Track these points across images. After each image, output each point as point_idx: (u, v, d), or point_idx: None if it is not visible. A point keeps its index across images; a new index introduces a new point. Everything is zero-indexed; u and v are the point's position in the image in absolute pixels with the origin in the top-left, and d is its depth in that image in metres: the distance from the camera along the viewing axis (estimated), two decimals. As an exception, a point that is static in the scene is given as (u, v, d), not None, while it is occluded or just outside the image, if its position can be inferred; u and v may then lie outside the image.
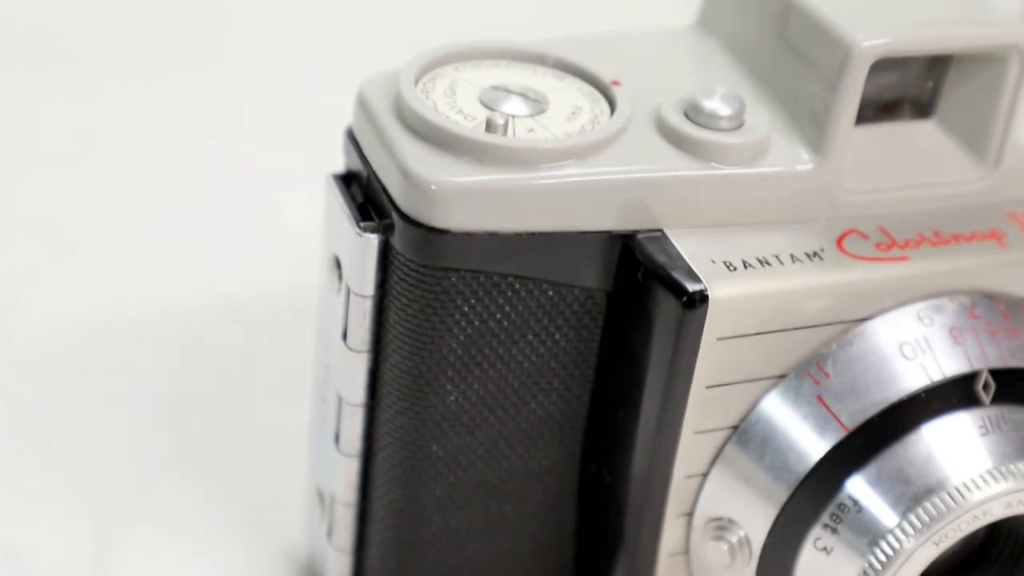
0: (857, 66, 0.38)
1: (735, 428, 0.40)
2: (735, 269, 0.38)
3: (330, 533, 0.44)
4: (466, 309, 0.39)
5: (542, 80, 0.41)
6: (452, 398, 0.40)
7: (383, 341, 0.40)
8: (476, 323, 0.39)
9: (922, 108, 0.42)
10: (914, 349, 0.39)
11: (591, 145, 0.38)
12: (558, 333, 0.40)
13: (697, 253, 0.38)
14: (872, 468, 0.38)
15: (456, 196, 0.37)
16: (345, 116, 0.41)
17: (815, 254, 0.39)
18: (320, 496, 0.44)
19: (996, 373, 0.39)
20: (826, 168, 0.39)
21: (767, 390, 0.39)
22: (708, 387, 0.39)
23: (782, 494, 0.39)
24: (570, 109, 0.40)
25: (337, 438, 0.42)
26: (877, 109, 0.42)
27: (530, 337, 0.40)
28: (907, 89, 0.42)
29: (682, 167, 0.38)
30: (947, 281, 0.40)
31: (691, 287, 0.37)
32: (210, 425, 0.53)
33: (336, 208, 0.40)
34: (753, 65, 0.42)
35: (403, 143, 0.38)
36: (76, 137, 0.66)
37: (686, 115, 0.39)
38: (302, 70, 0.73)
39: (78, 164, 0.65)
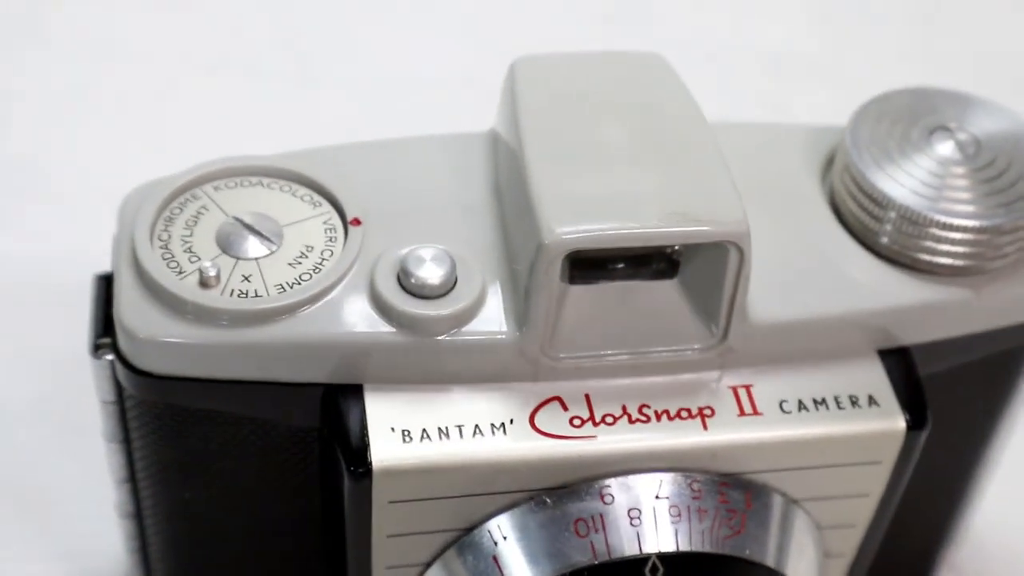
0: (548, 259, 0.39)
1: (428, 564, 0.42)
2: (410, 440, 0.40)
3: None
4: (180, 431, 0.42)
5: (294, 207, 0.43)
6: (187, 495, 0.44)
7: (129, 437, 0.44)
8: (193, 442, 0.42)
9: (673, 264, 0.42)
10: (588, 527, 0.40)
11: (296, 304, 0.40)
12: (277, 456, 0.43)
13: (383, 418, 0.40)
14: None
15: (158, 348, 0.40)
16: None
17: (502, 426, 0.40)
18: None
19: (667, 557, 0.40)
20: (528, 339, 0.40)
21: (455, 539, 0.41)
22: (390, 536, 0.41)
23: (457, 635, 0.42)
24: (300, 250, 0.41)
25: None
26: (627, 263, 0.42)
27: (250, 457, 0.42)
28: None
29: (381, 334, 0.40)
30: (638, 461, 0.41)
31: (358, 459, 0.39)
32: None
33: (90, 312, 0.43)
34: (502, 204, 0.42)
35: (126, 283, 0.41)
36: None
37: (398, 279, 0.40)
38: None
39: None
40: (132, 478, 0.45)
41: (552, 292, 0.39)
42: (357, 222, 0.42)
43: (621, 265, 0.42)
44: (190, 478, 0.43)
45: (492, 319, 0.40)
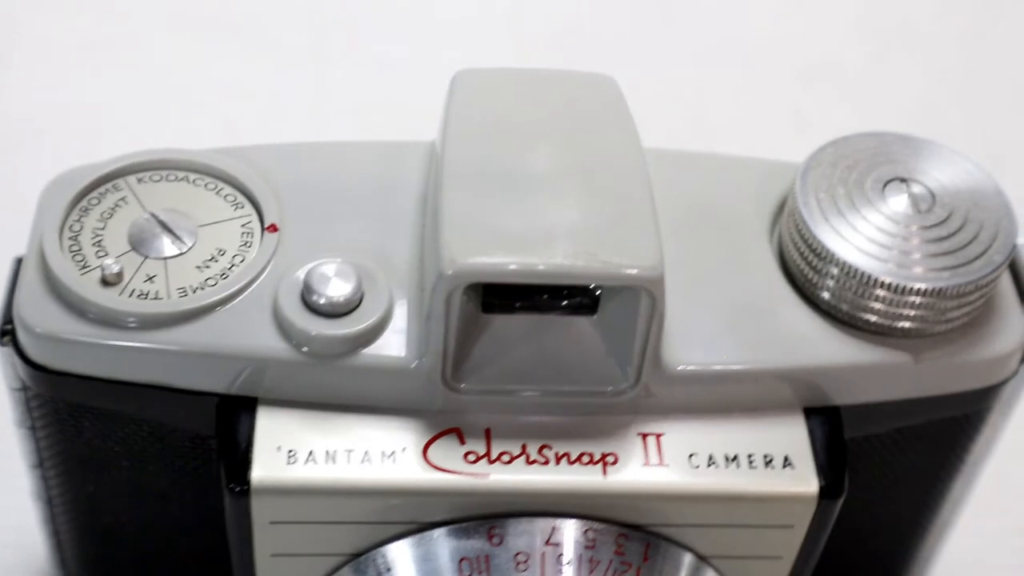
0: (447, 287, 0.37)
1: (318, 586, 0.41)
2: (295, 461, 0.39)
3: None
4: (79, 426, 0.41)
5: (216, 207, 0.41)
6: (91, 488, 0.43)
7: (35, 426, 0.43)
8: (92, 439, 0.41)
9: (595, 300, 0.40)
10: (472, 567, 0.39)
11: (195, 312, 0.39)
12: (177, 459, 0.42)
13: (272, 436, 0.39)
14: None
15: (53, 344, 0.39)
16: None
17: (392, 454, 0.39)
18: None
19: (552, 607, 0.39)
20: (429, 367, 0.39)
21: (342, 563, 0.40)
22: (274, 555, 0.40)
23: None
24: (212, 252, 0.40)
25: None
26: (547, 295, 0.40)
27: (150, 458, 0.42)
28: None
29: (277, 351, 0.39)
30: (531, 503, 0.39)
31: (238, 476, 0.38)
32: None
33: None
34: (424, 220, 0.41)
35: (30, 273, 0.40)
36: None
37: (301, 294, 0.39)
38: None
39: None
40: (42, 464, 0.44)
41: (452, 322, 0.38)
42: (274, 228, 0.41)
43: (540, 297, 0.40)
44: (91, 473, 0.43)
45: (395, 343, 0.39)
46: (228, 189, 0.42)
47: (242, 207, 0.42)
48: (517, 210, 0.38)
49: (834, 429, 0.41)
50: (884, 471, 0.44)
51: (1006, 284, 0.43)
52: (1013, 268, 0.43)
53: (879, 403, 0.41)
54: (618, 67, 0.70)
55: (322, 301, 0.39)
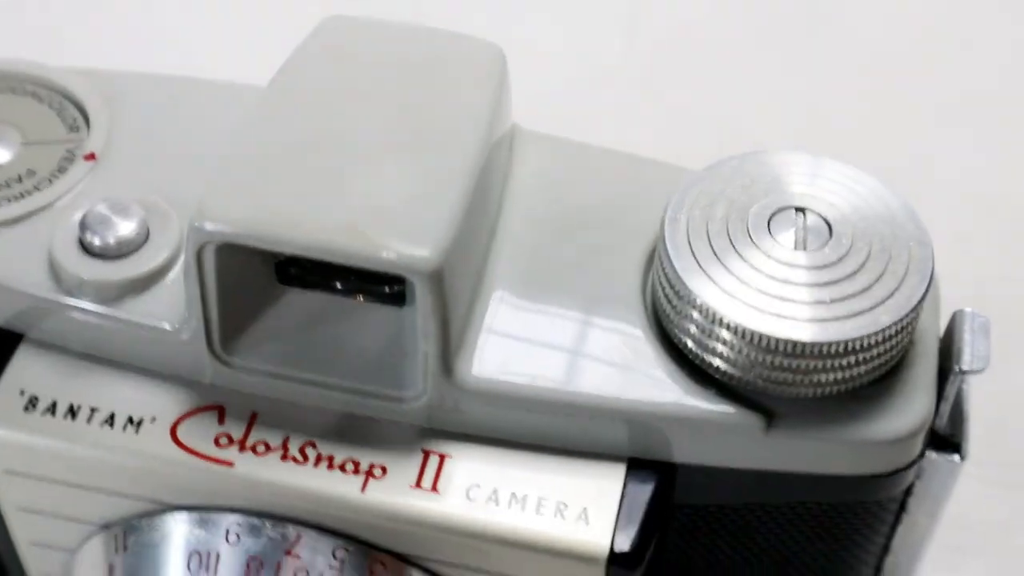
0: (194, 244, 0.33)
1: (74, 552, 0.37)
2: (33, 409, 0.35)
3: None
4: None
5: (52, 127, 0.38)
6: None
7: None
8: None
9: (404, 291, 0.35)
10: (200, 564, 0.35)
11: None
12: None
13: (21, 378, 0.36)
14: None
15: None
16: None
17: (139, 423, 0.35)
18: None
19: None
20: (192, 332, 0.34)
21: (97, 532, 0.36)
22: (22, 510, 0.37)
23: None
24: (20, 173, 0.37)
25: None
26: (355, 277, 0.35)
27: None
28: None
29: (40, 287, 0.35)
30: (278, 505, 0.34)
31: (-36, 415, 0.35)
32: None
33: None
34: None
35: None
36: None
37: (81, 225, 0.35)
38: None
39: None
40: None
41: (209, 283, 0.33)
42: (92, 157, 0.37)
43: (344, 276, 0.35)
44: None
45: (167, 298, 0.35)
46: (72, 111, 0.39)
47: (78, 131, 0.38)
48: (305, 173, 0.33)
49: (660, 489, 0.34)
50: (753, 551, 0.37)
51: (928, 354, 0.35)
52: (947, 337, 0.35)
53: (726, 469, 0.34)
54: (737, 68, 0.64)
55: (96, 241, 0.35)
